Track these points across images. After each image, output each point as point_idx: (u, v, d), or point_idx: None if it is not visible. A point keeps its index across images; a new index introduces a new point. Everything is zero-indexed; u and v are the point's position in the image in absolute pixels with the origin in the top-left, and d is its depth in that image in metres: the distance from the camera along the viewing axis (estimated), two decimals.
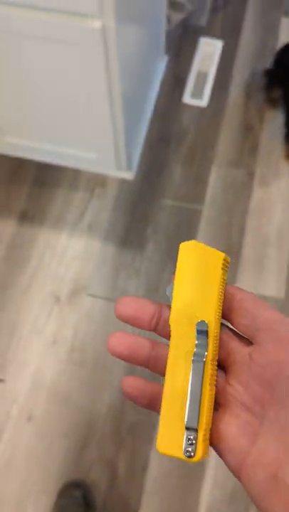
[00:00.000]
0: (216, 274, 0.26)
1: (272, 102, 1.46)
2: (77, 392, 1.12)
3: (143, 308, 0.26)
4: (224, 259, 0.27)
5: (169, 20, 1.53)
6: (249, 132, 1.44)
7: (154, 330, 0.27)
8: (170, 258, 1.24)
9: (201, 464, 1.05)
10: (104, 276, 1.23)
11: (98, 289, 1.22)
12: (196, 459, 0.25)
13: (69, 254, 1.26)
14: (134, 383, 0.26)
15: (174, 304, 0.26)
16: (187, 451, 0.25)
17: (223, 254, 0.27)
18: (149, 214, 1.32)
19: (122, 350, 0.26)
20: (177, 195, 1.34)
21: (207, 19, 1.63)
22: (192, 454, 0.25)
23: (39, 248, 1.27)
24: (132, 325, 0.26)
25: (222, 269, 0.27)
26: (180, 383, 0.25)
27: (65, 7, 0.82)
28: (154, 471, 1.05)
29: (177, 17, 1.57)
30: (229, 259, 0.27)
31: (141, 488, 1.03)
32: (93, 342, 1.16)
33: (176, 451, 0.25)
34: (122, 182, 1.35)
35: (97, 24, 0.83)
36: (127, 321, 0.26)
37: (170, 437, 0.25)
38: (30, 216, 1.31)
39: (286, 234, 1.29)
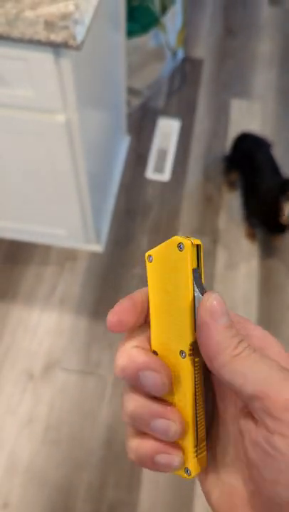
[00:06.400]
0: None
1: (230, 184, 1.57)
2: (54, 473, 1.08)
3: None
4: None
5: (129, 104, 1.67)
6: (209, 202, 1.54)
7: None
8: None
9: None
10: (77, 349, 1.24)
11: (72, 363, 1.22)
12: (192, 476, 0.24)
13: (41, 330, 1.26)
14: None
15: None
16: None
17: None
18: (119, 284, 1.35)
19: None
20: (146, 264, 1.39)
21: (164, 102, 1.78)
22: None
23: (11, 325, 1.27)
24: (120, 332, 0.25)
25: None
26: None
27: (32, 105, 0.89)
28: None
29: (136, 102, 1.70)
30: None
31: None
32: (69, 418, 1.14)
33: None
34: (92, 254, 1.40)
35: (61, 118, 0.90)
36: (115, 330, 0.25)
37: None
38: (1, 293, 1.32)
39: (251, 297, 1.35)
